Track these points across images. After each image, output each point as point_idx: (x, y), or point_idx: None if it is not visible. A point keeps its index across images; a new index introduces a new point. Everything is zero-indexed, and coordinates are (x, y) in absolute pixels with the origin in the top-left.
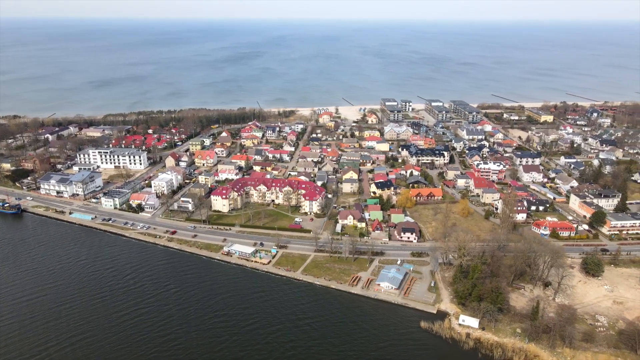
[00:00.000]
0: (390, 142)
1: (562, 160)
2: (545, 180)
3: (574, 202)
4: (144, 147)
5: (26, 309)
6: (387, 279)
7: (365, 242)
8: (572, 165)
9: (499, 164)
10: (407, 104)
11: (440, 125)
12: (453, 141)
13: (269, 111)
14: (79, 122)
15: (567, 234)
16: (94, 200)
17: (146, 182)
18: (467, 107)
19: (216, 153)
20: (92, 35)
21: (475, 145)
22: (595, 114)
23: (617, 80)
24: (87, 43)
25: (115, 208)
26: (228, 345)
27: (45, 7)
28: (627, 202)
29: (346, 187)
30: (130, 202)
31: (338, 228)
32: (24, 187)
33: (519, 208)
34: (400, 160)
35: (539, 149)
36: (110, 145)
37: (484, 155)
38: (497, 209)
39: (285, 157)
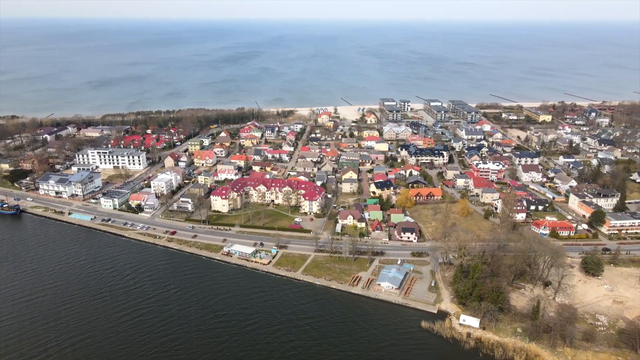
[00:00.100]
0: (389, 142)
1: (561, 159)
2: (545, 179)
3: (573, 202)
4: (142, 147)
5: (26, 309)
6: (388, 278)
7: (365, 242)
8: (571, 165)
9: (498, 163)
10: (406, 103)
11: (439, 125)
12: (452, 141)
13: (267, 111)
14: (78, 122)
15: (567, 233)
16: (93, 200)
17: (145, 182)
18: (465, 107)
19: (215, 153)
20: (91, 35)
21: (474, 145)
22: (593, 114)
23: (615, 80)
24: (86, 43)
25: (114, 208)
26: (228, 345)
27: (45, 7)
28: (626, 201)
29: (346, 187)
30: (130, 203)
31: (338, 228)
32: (23, 188)
33: (518, 208)
34: (399, 160)
35: (537, 148)
36: (109, 146)
37: (483, 155)
38: (496, 208)
39: (285, 157)
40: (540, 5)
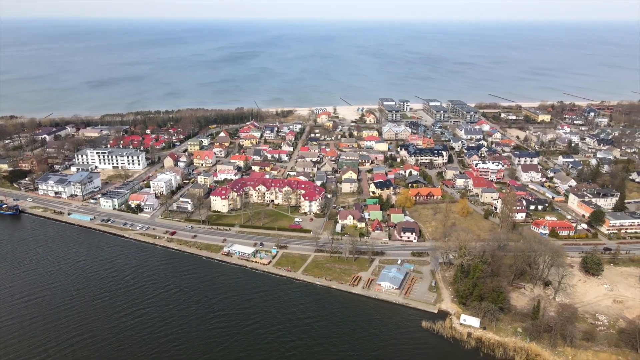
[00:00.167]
0: (388, 141)
1: (560, 159)
2: (544, 179)
3: (573, 202)
4: (142, 148)
5: (25, 310)
6: (388, 278)
7: (366, 242)
8: (570, 165)
9: (497, 163)
10: (405, 103)
11: (439, 125)
12: (451, 141)
13: (267, 111)
14: (76, 123)
15: (567, 233)
16: (92, 200)
17: (145, 182)
18: (464, 107)
19: (215, 153)
20: (91, 35)
21: (473, 145)
22: (592, 114)
23: (614, 80)
24: (85, 43)
25: (114, 209)
26: (229, 345)
27: (45, 7)
28: (626, 201)
29: (345, 187)
30: (129, 203)
31: (338, 228)
32: (22, 188)
33: (518, 207)
34: (399, 160)
35: (537, 148)
36: (108, 146)
37: (483, 155)
38: (496, 208)
39: (284, 157)
40: (540, 5)
